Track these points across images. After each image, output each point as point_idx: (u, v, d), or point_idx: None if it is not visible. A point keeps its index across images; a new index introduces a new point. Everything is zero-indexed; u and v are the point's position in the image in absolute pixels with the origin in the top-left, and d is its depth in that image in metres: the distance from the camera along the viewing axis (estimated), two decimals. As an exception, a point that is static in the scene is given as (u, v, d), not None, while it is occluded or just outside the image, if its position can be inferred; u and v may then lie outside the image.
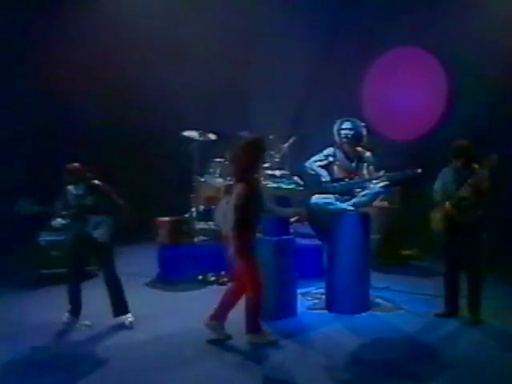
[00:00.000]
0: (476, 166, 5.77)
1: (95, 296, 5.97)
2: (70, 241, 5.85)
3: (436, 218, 5.93)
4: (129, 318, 5.84)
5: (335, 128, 6.51)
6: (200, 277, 7.36)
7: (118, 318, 5.83)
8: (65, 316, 5.81)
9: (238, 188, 5.20)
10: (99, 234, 5.68)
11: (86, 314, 5.86)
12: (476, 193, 5.72)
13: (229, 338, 5.45)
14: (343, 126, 6.46)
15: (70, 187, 5.82)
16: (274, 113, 9.46)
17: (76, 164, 5.79)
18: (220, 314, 5.48)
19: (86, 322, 5.79)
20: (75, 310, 5.81)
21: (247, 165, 5.25)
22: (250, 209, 5.17)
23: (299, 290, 6.35)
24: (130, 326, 5.78)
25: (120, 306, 5.83)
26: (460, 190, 5.79)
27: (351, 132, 6.44)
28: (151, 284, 7.38)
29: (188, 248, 7.63)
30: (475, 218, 5.76)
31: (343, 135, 6.45)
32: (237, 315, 5.49)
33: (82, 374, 4.78)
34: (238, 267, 5.36)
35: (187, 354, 5.16)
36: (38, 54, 9.06)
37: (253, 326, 5.37)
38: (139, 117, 9.65)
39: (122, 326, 5.77)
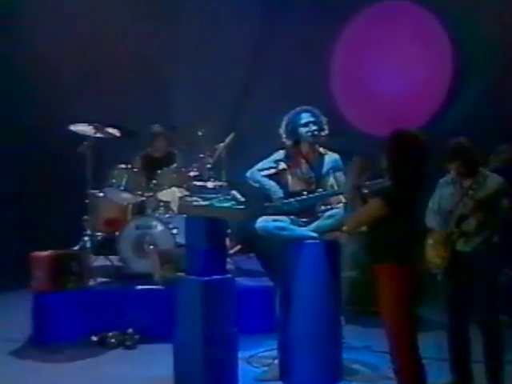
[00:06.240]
0: (481, 169, 5.70)
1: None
2: None
3: (431, 248, 5.83)
4: None
5: (289, 124, 6.48)
6: (95, 337, 7.14)
7: None
8: None
9: None
10: None
11: None
12: (482, 209, 5.62)
13: None
14: (304, 120, 6.41)
15: None
16: (204, 101, 9.64)
17: None
18: None
19: None
20: None
21: None
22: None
23: (241, 353, 6.21)
24: None
25: None
26: (459, 206, 5.69)
27: (316, 127, 6.43)
28: (21, 352, 7.09)
29: (78, 295, 7.44)
30: (486, 246, 5.66)
31: (308, 133, 6.41)
32: None
33: None
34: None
35: None
36: None
37: None
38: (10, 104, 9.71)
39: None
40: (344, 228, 5.13)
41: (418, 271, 4.96)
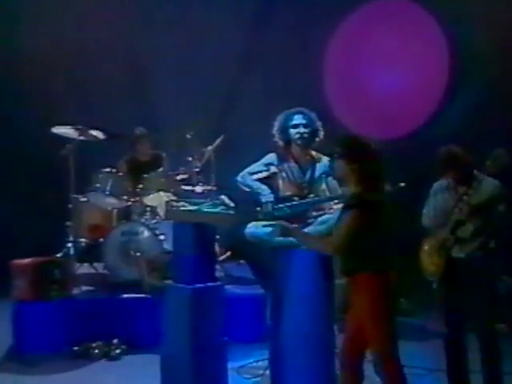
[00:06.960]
0: (477, 173, 5.70)
1: None
2: None
3: (426, 255, 5.84)
4: None
5: (280, 124, 6.44)
6: (78, 348, 7.09)
7: None
8: None
9: None
10: None
11: None
12: (478, 214, 5.61)
13: None
14: (295, 122, 6.37)
15: None
16: (192, 103, 9.60)
17: None
18: None
19: None
20: None
21: None
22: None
23: (231, 364, 6.19)
24: None
25: None
26: (454, 211, 5.67)
27: (306, 129, 6.37)
28: (1, 364, 7.05)
29: (61, 304, 7.39)
30: (482, 252, 5.65)
31: (296, 135, 6.37)
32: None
33: None
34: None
35: None
36: None
37: None
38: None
39: None
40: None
41: (393, 279, 4.92)
